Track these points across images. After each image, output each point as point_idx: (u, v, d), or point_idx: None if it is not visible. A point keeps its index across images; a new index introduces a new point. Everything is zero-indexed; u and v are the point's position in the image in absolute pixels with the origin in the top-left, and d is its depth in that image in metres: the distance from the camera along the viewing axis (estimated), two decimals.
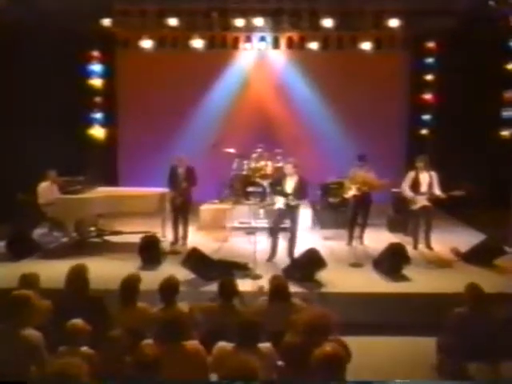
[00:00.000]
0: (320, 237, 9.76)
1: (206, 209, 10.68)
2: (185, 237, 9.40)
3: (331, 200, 10.69)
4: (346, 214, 9.83)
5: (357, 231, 9.45)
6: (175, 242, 9.30)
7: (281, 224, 8.40)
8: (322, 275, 7.55)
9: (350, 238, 9.48)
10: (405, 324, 6.47)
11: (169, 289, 5.11)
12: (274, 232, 8.50)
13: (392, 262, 7.74)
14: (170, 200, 9.18)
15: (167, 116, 12.29)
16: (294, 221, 8.34)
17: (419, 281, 7.54)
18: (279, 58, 12.80)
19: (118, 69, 12.65)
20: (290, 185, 8.31)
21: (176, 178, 9.12)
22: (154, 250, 8.21)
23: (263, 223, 9.91)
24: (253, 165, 10.82)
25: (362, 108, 12.27)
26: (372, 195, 9.30)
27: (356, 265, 8.24)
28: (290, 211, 8.27)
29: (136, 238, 8.55)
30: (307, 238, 9.56)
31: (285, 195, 8.23)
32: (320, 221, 10.66)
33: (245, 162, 11.09)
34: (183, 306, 5.04)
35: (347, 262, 8.31)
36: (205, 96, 12.54)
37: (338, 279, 7.55)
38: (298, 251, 8.08)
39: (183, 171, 9.16)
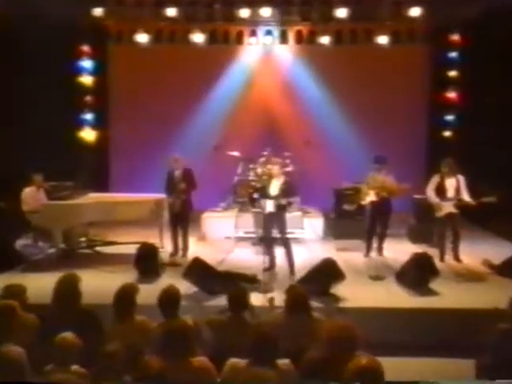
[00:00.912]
0: (333, 248, 9.69)
1: (209, 217, 10.69)
2: (185, 247, 9.34)
3: (346, 207, 10.66)
4: (362, 223, 9.80)
5: (375, 241, 9.38)
6: (175, 253, 9.25)
7: (272, 230, 8.38)
8: (339, 288, 7.43)
9: (368, 248, 9.39)
10: (434, 343, 6.32)
11: (169, 300, 4.98)
12: (266, 240, 8.47)
13: (417, 274, 7.59)
14: (168, 206, 9.14)
15: (164, 117, 12.23)
16: (282, 225, 8.25)
17: (449, 295, 7.39)
18: (287, 54, 12.76)
19: (111, 65, 12.62)
20: (275, 186, 8.30)
21: (172, 182, 9.07)
22: (151, 260, 8.12)
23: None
24: (259, 169, 10.67)
25: (378, 108, 12.23)
26: (391, 202, 9.21)
27: (376, 277, 8.12)
28: (278, 214, 8.21)
29: (131, 249, 8.49)
30: (319, 249, 9.56)
31: (271, 198, 8.20)
32: (333, 230, 10.62)
33: (250, 166, 11.00)
34: (187, 319, 4.81)
35: (366, 275, 8.22)
36: (206, 95, 12.49)
37: (357, 293, 7.41)
38: (309, 263, 7.94)
39: (180, 173, 9.09)
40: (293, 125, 12.34)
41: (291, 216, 9.73)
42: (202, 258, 7.64)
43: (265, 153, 10.76)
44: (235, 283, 7.04)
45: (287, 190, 8.25)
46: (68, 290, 5.17)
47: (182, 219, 9.22)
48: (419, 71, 12.44)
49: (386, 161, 9.24)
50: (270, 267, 8.31)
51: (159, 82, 12.33)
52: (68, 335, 4.23)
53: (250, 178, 10.85)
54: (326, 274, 7.52)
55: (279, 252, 8.53)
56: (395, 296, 7.43)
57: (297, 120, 12.40)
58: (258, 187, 9.05)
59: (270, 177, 8.53)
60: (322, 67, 12.40)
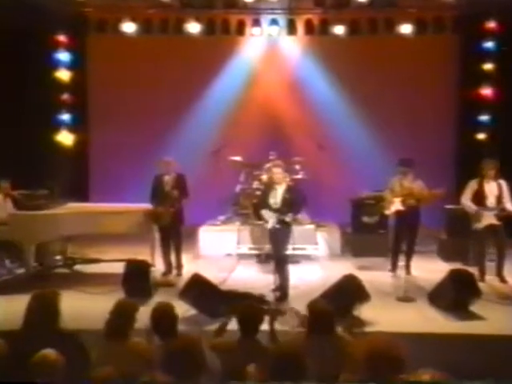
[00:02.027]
0: (352, 266, 9.64)
1: (207, 232, 10.71)
2: (179, 265, 9.29)
3: (366, 220, 10.65)
4: (385, 237, 9.98)
5: (401, 258, 9.40)
6: (168, 271, 9.21)
7: (278, 244, 8.32)
8: (363, 311, 7.29)
9: (394, 266, 9.39)
10: (475, 373, 5.78)
11: (165, 317, 4.91)
12: (275, 258, 8.36)
13: (456, 294, 7.48)
14: (156, 218, 9.06)
15: (153, 118, 12.30)
16: (282, 242, 8.18)
17: (493, 319, 7.24)
18: (295, 47, 12.77)
19: (91, 58, 12.60)
20: (277, 196, 8.17)
21: (161, 189, 9.01)
22: (142, 280, 8.01)
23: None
24: (265, 177, 10.61)
25: (401, 107, 12.25)
26: (420, 211, 9.19)
27: (406, 299, 8.01)
28: (281, 230, 8.12)
29: (117, 268, 8.42)
30: (335, 267, 9.49)
31: (272, 210, 8.11)
32: (351, 246, 10.61)
33: (254, 173, 11.01)
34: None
35: (393, 296, 8.15)
36: (202, 93, 12.53)
37: (384, 316, 7.30)
38: (323, 284, 7.83)
39: (171, 179, 9.05)
40: (302, 127, 12.31)
41: (302, 229, 10.06)
42: (202, 275, 7.55)
43: (271, 157, 10.64)
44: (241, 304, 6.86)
45: (291, 201, 8.10)
46: (45, 308, 4.97)
47: (175, 233, 9.17)
48: (448, 65, 12.42)
49: (413, 163, 9.19)
50: (281, 288, 8.19)
51: (148, 78, 12.34)
52: (49, 353, 4.04)
53: (255, 186, 10.84)
54: (348, 293, 7.32)
55: (294, 270, 8.59)
56: (429, 320, 7.32)
57: (307, 122, 12.37)
58: (258, 196, 9.01)
59: (271, 184, 8.40)
60: (336, 61, 12.38)
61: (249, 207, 10.74)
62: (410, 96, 12.26)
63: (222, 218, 11.15)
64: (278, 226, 8.08)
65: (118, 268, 8.37)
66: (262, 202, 8.33)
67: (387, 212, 9.35)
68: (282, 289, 8.12)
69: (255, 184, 10.88)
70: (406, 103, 12.25)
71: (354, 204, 10.79)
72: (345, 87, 12.45)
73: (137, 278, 7.97)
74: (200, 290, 7.29)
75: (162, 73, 12.33)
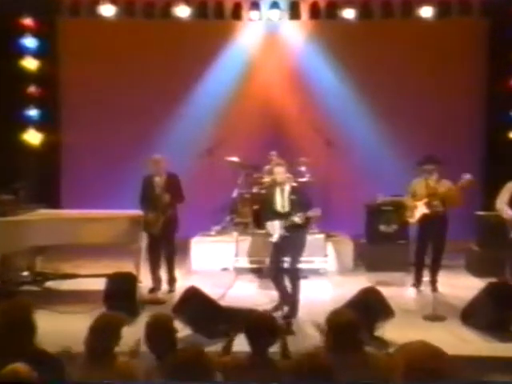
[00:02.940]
0: (368, 282, 9.47)
1: (199, 243, 10.73)
2: (171, 280, 9.27)
3: (383, 229, 10.65)
4: (406, 249, 10.08)
5: (425, 272, 9.42)
6: (157, 287, 9.16)
7: (282, 259, 8.31)
8: (386, 330, 7.23)
9: (418, 281, 9.38)
10: None
11: (162, 329, 4.89)
12: (274, 274, 8.36)
13: (495, 312, 7.39)
14: (145, 225, 9.01)
15: (136, 114, 12.29)
16: (297, 251, 8.18)
17: None
18: (299, 33, 12.81)
19: (62, 45, 12.55)
20: (284, 199, 8.16)
21: (151, 192, 9.05)
22: (127, 296, 7.88)
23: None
24: (266, 179, 10.58)
25: (420, 100, 12.28)
26: (447, 217, 9.19)
27: (434, 318, 7.93)
28: (293, 237, 8.07)
29: (97, 284, 8.45)
30: (348, 283, 9.55)
31: (278, 216, 8.07)
32: (366, 259, 10.65)
33: (254, 175, 11.04)
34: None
35: (419, 314, 8.13)
36: (193, 86, 12.57)
37: (411, 336, 6.54)
38: (334, 303, 7.61)
39: (162, 180, 9.08)
40: (307, 123, 12.16)
41: (310, 239, 9.61)
42: (199, 289, 7.49)
43: (273, 157, 10.57)
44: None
45: (299, 202, 8.03)
46: (17, 322, 4.78)
47: (167, 242, 9.17)
48: (475, 53, 12.43)
49: (439, 160, 9.19)
50: (280, 306, 8.27)
51: (129, 69, 12.34)
52: (20, 367, 3.88)
53: (255, 191, 10.82)
54: (369, 309, 7.12)
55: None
56: (465, 341, 7.26)
57: (312, 117, 12.27)
58: (259, 201, 9.11)
59: (274, 186, 8.34)
60: (345, 50, 12.36)
61: (248, 215, 10.77)
62: (431, 89, 12.29)
63: (216, 227, 11.12)
64: (285, 234, 8.04)
65: (98, 284, 8.36)
66: (267, 209, 8.29)
67: (412, 220, 9.30)
68: (291, 306, 8.10)
69: (255, 188, 10.87)
70: (425, 96, 12.26)
71: (369, 210, 10.77)
72: (355, 78, 12.46)
73: (121, 295, 7.83)
74: (197, 306, 7.21)
75: (147, 63, 12.32)
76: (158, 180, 9.07)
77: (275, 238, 8.13)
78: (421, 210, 9.05)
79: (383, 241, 10.58)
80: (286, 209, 8.08)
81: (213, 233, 11.05)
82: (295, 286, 8.19)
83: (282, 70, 12.77)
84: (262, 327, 4.90)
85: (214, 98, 12.48)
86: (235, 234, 10.73)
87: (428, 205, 8.97)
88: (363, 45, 12.18)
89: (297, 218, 7.91)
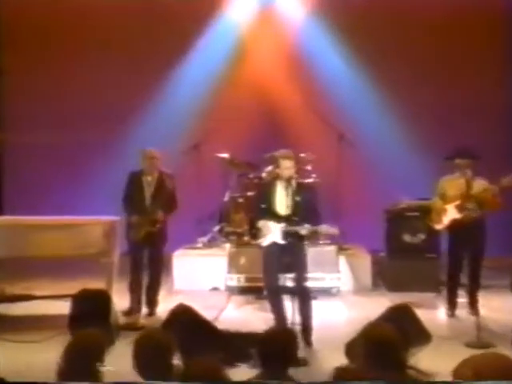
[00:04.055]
0: (390, 304, 8.86)
1: (184, 258, 10.71)
2: (152, 302, 9.22)
3: (408, 239, 10.49)
4: (436, 264, 10.03)
5: (461, 292, 9.28)
6: (135, 310, 9.05)
7: (280, 273, 8.23)
8: (422, 357, 6.71)
9: (451, 303, 9.20)
10: None
11: (155, 349, 4.78)
12: (270, 290, 8.34)
13: None
14: (130, 234, 9.01)
15: (105, 104, 12.28)
16: (300, 265, 8.12)
17: None
18: (297, 9, 12.70)
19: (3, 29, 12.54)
20: (287, 199, 8.01)
21: (139, 192, 9.05)
22: (100, 319, 7.50)
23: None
24: (267, 171, 10.55)
25: (443, 90, 12.25)
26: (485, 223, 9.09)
27: (480, 345, 7.62)
28: (294, 248, 8.02)
29: (57, 307, 8.45)
30: (366, 306, 9.48)
31: (277, 218, 7.96)
32: (388, 277, 10.59)
33: (250, 175, 11.03)
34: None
35: (458, 341, 7.96)
36: (174, 71, 12.51)
37: (454, 366, 6.74)
38: (352, 329, 7.38)
39: (154, 181, 9.06)
40: (313, 114, 11.98)
41: (319, 252, 9.97)
42: (190, 307, 7.41)
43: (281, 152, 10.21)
44: (242, 348, 7.03)
45: (307, 206, 7.92)
46: None
47: (153, 255, 9.15)
48: (504, 37, 12.35)
49: (473, 155, 9.10)
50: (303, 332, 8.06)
51: (93, 51, 12.30)
52: None
53: (250, 194, 10.65)
54: (400, 331, 6.68)
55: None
56: None
57: (319, 107, 12.01)
58: (256, 200, 8.99)
59: (274, 182, 8.21)
60: (355, 27, 12.24)
61: (242, 223, 10.65)
62: (453, 76, 12.31)
63: (203, 238, 11.06)
64: (282, 243, 7.93)
65: (59, 307, 8.37)
66: (264, 207, 8.12)
67: (438, 226, 9.16)
68: (305, 333, 7.94)
69: (251, 191, 10.64)
70: (451, 84, 12.26)
71: (390, 217, 10.66)
72: (367, 62, 12.38)
73: (91, 318, 7.33)
74: (187, 329, 6.98)
75: (115, 44, 12.30)
76: (150, 179, 9.04)
77: (267, 240, 8.04)
78: (451, 214, 8.92)
79: (408, 254, 10.46)
80: (289, 211, 7.95)
81: (199, 245, 10.98)
82: (306, 309, 8.07)
83: (279, 52, 12.66)
84: (282, 344, 4.95)
85: (200, 85, 12.43)
86: (227, 246, 10.68)
87: (460, 208, 8.83)
88: (375, 22, 12.15)
89: (303, 230, 7.83)
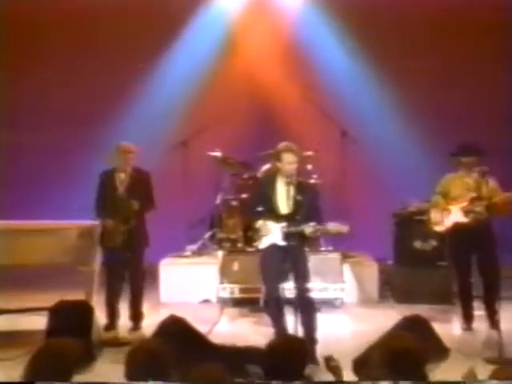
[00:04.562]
0: (399, 316, 8.95)
1: (171, 267, 10.69)
2: (136, 315, 9.18)
3: (418, 245, 10.50)
4: (449, 272, 9.90)
5: (478, 303, 9.29)
6: (112, 324, 9.00)
7: (281, 279, 8.15)
8: (439, 374, 6.61)
9: (467, 315, 9.19)
10: None
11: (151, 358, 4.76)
12: (270, 299, 8.29)
13: None
14: (102, 237, 8.96)
15: (85, 97, 12.31)
16: (301, 270, 8.05)
17: None
18: None
19: None
20: (288, 196, 7.98)
21: (112, 193, 9.02)
22: (80, 333, 7.48)
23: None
24: (266, 167, 10.72)
25: (457, 82, 12.26)
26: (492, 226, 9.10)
27: (501, 361, 7.56)
28: (295, 250, 7.96)
29: (32, 322, 8.56)
30: (373, 319, 9.49)
31: (277, 218, 7.96)
32: (396, 287, 10.60)
33: (245, 176, 11.05)
34: None
35: (477, 356, 7.83)
36: (161, 61, 12.49)
37: None
38: (355, 342, 7.95)
39: (128, 178, 9.02)
40: (310, 109, 12.03)
41: (321, 260, 9.98)
42: (183, 319, 7.40)
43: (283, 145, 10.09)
44: (239, 365, 6.77)
45: (310, 206, 7.88)
46: None
47: (132, 262, 9.07)
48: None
49: (480, 151, 9.04)
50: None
51: (70, 41, 12.32)
52: None
53: (245, 196, 10.65)
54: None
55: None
56: None
57: (319, 102, 11.96)
58: (251, 197, 9.09)
59: (273, 179, 8.20)
60: (354, 17, 12.24)
61: (236, 228, 10.65)
62: (470, 68, 12.32)
63: (193, 246, 11.04)
64: (283, 244, 7.88)
65: (34, 322, 8.46)
66: (261, 204, 8.07)
67: (438, 228, 9.13)
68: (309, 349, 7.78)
69: (246, 194, 10.64)
70: (463, 77, 12.27)
71: (399, 221, 10.69)
72: (369, 52, 12.34)
73: (71, 332, 7.14)
74: (179, 342, 6.81)
75: (99, 37, 12.33)
76: (123, 177, 8.97)
77: (265, 242, 8.00)
78: (454, 216, 8.90)
79: (418, 262, 10.48)
80: (290, 210, 7.92)
81: (188, 253, 10.95)
82: (311, 322, 7.99)
83: (274, 42, 12.62)
84: (291, 354, 4.90)
85: (188, 77, 12.38)
86: (219, 254, 10.63)
87: (467, 211, 8.82)
88: (380, 10, 12.11)
89: (308, 229, 7.72)
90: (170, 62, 12.52)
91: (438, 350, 7.22)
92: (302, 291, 8.01)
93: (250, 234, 8.27)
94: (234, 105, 12.24)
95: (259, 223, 7.99)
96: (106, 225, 8.86)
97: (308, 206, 7.86)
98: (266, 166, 10.79)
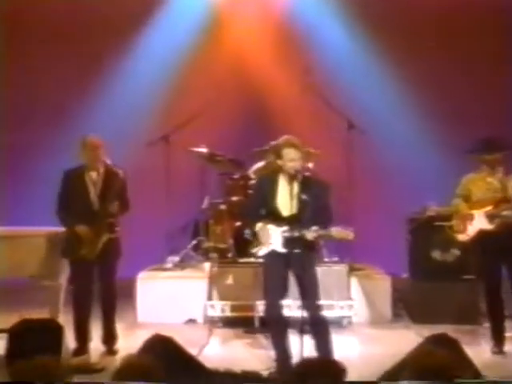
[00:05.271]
0: (417, 338, 8.89)
1: (150, 282, 10.67)
2: (110, 337, 9.06)
3: (438, 256, 10.42)
4: (475, 287, 9.92)
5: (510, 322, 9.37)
6: (82, 347, 8.83)
7: (284, 293, 8.12)
8: None
9: (497, 337, 9.03)
10: None
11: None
12: (271, 317, 8.20)
13: None
14: (70, 247, 8.84)
15: (49, 87, 12.40)
16: (310, 284, 7.97)
17: None
18: None
19: None
20: (291, 196, 7.91)
21: (83, 194, 8.85)
22: (48, 355, 6.83)
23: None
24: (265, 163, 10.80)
25: (466, 78, 12.33)
26: None
27: None
28: (302, 260, 7.84)
29: None
30: (385, 341, 9.42)
31: (279, 221, 7.90)
32: (413, 305, 10.56)
33: (235, 176, 11.05)
34: None
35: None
36: (136, 44, 12.57)
37: None
38: (367, 368, 7.83)
39: (100, 177, 8.90)
40: (308, 100, 11.94)
41: (325, 273, 9.75)
42: (170, 338, 7.33)
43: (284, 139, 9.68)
44: None
45: (317, 207, 7.75)
46: None
47: (104, 277, 8.98)
48: None
49: (505, 147, 9.00)
50: (285, 361, 8.05)
51: (39, 31, 12.46)
52: None
53: (236, 199, 10.76)
54: (442, 365, 6.66)
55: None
56: None
57: (320, 91, 11.64)
58: (252, 194, 9.08)
59: (276, 173, 8.12)
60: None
61: (226, 236, 10.68)
62: (489, 57, 12.40)
63: (174, 258, 11.01)
64: (285, 251, 7.77)
65: None
66: (261, 205, 8.04)
67: (461, 236, 9.06)
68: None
69: (237, 196, 10.80)
70: (486, 72, 12.35)
71: (415, 228, 10.61)
72: (374, 33, 12.34)
73: (35, 357, 6.67)
74: (167, 365, 6.16)
75: (66, 23, 12.41)
76: (95, 177, 8.79)
77: (264, 249, 7.93)
78: (479, 223, 8.81)
79: (438, 275, 10.41)
80: (293, 211, 7.81)
81: (169, 265, 10.89)
82: (326, 345, 7.94)
83: (265, 22, 12.69)
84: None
85: (167, 63, 12.49)
86: (206, 266, 10.60)
87: (492, 216, 8.72)
88: None
89: (310, 234, 7.63)
90: (146, 47, 12.59)
91: (470, 375, 6.88)
92: (311, 310, 7.91)
93: (249, 238, 8.32)
94: (221, 94, 11.94)
95: (258, 226, 7.91)
96: (79, 232, 8.68)
97: (315, 205, 7.72)
98: (259, 164, 10.85)
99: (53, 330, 7.88)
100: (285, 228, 7.77)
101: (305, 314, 7.90)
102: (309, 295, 7.90)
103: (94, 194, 8.78)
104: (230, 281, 10.27)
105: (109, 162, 8.97)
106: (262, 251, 7.98)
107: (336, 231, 7.67)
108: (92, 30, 12.40)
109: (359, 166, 11.44)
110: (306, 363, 5.23)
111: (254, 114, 12.15)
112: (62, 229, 9.02)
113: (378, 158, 12.12)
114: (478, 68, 12.42)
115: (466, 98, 12.29)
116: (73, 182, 8.85)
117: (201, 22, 12.56)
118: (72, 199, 8.81)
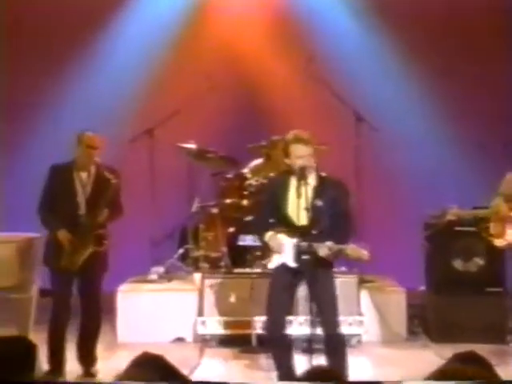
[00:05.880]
0: (437, 357, 8.97)
1: (132, 296, 10.70)
2: (89, 358, 8.90)
3: (460, 266, 10.37)
4: (503, 301, 10.07)
5: None
6: (57, 369, 8.68)
7: (289, 311, 8.22)
8: None
9: None
10: None
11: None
12: (273, 336, 8.23)
13: None
14: (50, 255, 8.70)
15: (19, 75, 12.51)
16: (329, 303, 7.97)
17: None
18: None
19: None
20: (299, 201, 7.77)
21: (70, 196, 8.73)
22: (19, 377, 6.66)
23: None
24: (253, 181, 10.72)
25: (486, 73, 12.44)
26: None
27: None
28: (316, 275, 7.83)
29: None
30: (400, 362, 9.43)
31: (291, 230, 7.83)
32: (431, 323, 10.52)
33: (228, 175, 11.11)
34: None
35: None
36: (116, 29, 12.65)
37: None
38: None
39: (90, 178, 8.79)
40: (310, 90, 12.11)
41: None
42: (161, 356, 6.41)
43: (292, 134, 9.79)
44: None
45: (334, 213, 7.72)
46: None
47: (89, 289, 8.87)
48: None
49: None
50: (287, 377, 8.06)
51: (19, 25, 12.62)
52: None
53: (229, 201, 10.78)
54: None
55: None
56: None
57: (323, 80, 11.69)
58: (262, 199, 8.92)
59: (288, 174, 8.05)
60: None
61: (218, 243, 10.69)
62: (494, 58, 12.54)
63: (159, 269, 10.99)
64: (297, 266, 7.71)
65: None
66: (271, 212, 7.94)
67: (499, 242, 9.05)
68: None
69: (230, 198, 10.85)
70: (490, 67, 12.47)
71: (434, 234, 10.51)
72: (383, 18, 12.45)
73: (6, 378, 6.56)
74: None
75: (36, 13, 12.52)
76: (85, 177, 8.71)
77: (275, 261, 7.88)
78: None
79: (460, 288, 10.35)
80: (305, 220, 7.69)
81: (154, 277, 10.88)
82: (343, 366, 7.83)
83: (260, 5, 12.77)
84: None
85: (151, 49, 12.57)
86: (196, 276, 10.56)
87: None
88: None
89: (322, 250, 7.56)
90: (126, 31, 12.67)
91: None
92: (329, 327, 7.86)
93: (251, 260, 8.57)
94: (212, 84, 11.80)
95: (268, 236, 7.83)
96: (61, 239, 8.49)
97: (332, 213, 7.68)
98: (256, 162, 10.89)
99: (24, 350, 7.75)
100: (296, 240, 7.70)
101: (318, 331, 7.84)
102: (328, 313, 7.86)
103: (81, 196, 8.68)
104: (223, 294, 10.19)
105: (101, 163, 8.92)
106: (271, 264, 7.95)
107: (351, 249, 7.65)
108: (73, 22, 12.32)
109: (368, 164, 11.41)
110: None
111: (249, 106, 12.25)
112: (37, 235, 8.99)
113: (389, 155, 12.14)
114: (498, 62, 12.45)
115: (485, 94, 12.31)
116: (59, 179, 8.72)
117: (188, 7, 12.62)
118: (57, 198, 8.69)
